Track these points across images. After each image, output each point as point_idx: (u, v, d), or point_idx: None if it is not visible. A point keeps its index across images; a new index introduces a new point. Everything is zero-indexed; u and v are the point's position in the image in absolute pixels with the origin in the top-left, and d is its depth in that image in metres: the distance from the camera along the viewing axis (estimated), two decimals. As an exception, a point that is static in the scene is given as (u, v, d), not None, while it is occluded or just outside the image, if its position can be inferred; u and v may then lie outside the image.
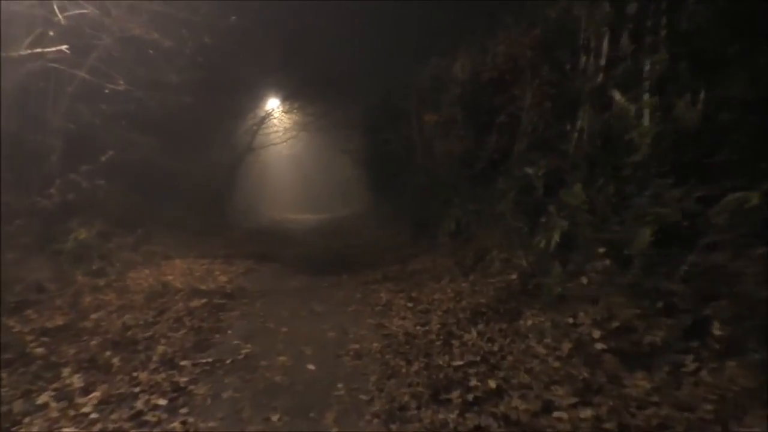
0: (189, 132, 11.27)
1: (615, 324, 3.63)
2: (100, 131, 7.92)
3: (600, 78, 5.30)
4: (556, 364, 3.38)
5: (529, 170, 5.82)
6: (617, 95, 4.86)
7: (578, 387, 3.03)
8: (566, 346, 3.63)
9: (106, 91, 7.55)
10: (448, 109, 8.40)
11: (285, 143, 20.61)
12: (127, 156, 8.69)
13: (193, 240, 9.53)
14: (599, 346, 3.46)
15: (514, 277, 5.44)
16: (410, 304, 5.40)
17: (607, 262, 4.19)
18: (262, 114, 18.56)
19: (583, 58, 5.64)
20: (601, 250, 4.26)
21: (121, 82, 7.55)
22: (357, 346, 4.08)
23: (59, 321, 4.18)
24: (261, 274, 7.42)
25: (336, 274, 7.39)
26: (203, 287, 6.07)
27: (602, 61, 5.30)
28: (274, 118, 19.54)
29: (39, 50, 5.51)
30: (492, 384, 3.20)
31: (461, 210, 7.78)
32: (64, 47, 5.64)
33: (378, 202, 16.36)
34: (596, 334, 3.61)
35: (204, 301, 5.36)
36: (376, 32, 11.27)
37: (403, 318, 4.88)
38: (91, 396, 3.09)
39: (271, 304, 5.56)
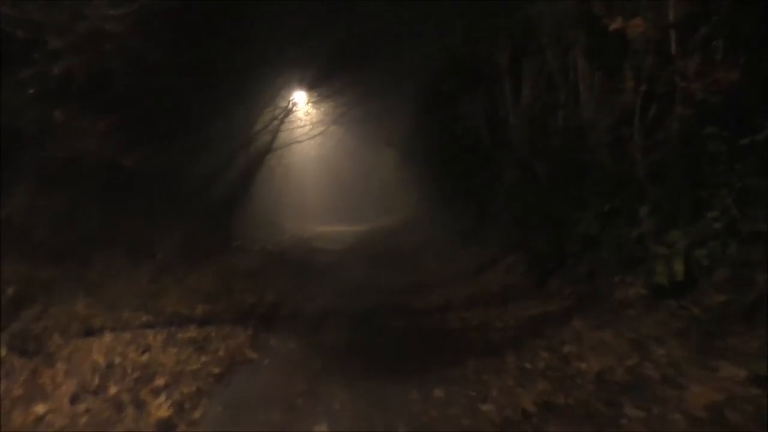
0: (174, 123, 7.43)
1: None
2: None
3: None
4: None
5: None
6: None
7: None
8: None
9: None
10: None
11: (312, 140, 16.88)
12: (49, 151, 5.03)
13: (162, 280, 5.72)
14: None
15: None
16: None
17: None
18: (284, 105, 14.84)
19: None
20: None
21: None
22: None
23: None
24: (256, 379, 3.45)
25: (420, 373, 3.45)
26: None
27: None
28: (299, 111, 15.85)
29: None
30: None
31: (706, 229, 3.58)
32: None
33: (436, 207, 12.33)
34: None
35: None
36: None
37: None
38: None
39: None
